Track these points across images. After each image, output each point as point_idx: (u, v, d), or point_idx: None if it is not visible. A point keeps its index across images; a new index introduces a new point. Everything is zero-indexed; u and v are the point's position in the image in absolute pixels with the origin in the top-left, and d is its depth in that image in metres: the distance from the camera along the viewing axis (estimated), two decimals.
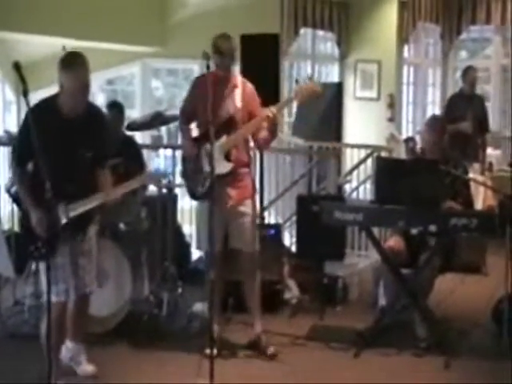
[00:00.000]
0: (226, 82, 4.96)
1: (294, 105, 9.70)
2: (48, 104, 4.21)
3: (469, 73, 8.38)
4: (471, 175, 6.28)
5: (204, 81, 4.85)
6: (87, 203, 4.19)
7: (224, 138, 4.86)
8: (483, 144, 8.40)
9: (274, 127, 4.96)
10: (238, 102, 4.95)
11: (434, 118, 5.83)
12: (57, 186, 3.65)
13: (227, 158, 4.88)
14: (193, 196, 5.09)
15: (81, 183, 4.21)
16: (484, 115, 8.42)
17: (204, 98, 4.66)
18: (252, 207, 5.11)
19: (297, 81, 5.17)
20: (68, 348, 4.52)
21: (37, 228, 4.08)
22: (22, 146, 4.15)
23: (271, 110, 4.84)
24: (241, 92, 4.98)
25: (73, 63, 4.10)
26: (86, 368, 4.56)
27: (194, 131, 5.18)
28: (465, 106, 8.16)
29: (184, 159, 5.11)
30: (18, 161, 4.26)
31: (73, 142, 4.20)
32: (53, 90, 4.28)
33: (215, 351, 4.58)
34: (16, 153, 4.30)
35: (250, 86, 5.07)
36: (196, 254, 7.13)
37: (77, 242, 4.33)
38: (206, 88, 4.55)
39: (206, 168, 4.84)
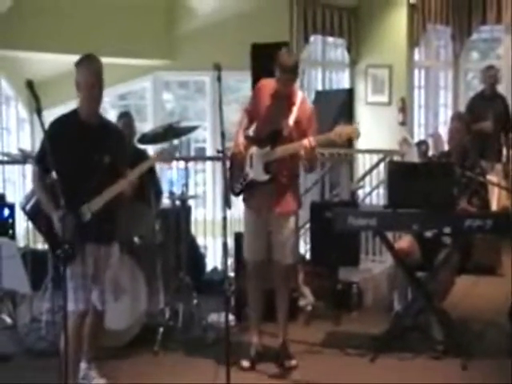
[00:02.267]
0: (285, 97, 4.92)
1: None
2: (68, 115, 4.40)
3: (488, 73, 8.23)
4: (490, 176, 6.20)
5: (266, 88, 4.97)
6: (107, 194, 4.27)
7: (267, 149, 4.88)
8: (508, 144, 8.20)
9: (310, 158, 4.82)
10: (291, 120, 4.88)
11: (459, 113, 5.75)
12: (77, 192, 4.04)
13: (266, 168, 4.88)
14: (233, 192, 5.06)
15: (100, 189, 4.27)
16: (507, 115, 8.25)
17: (261, 105, 4.87)
18: (295, 221, 5.06)
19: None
20: (80, 368, 4.53)
21: (60, 228, 4.01)
22: (46, 155, 4.18)
23: (310, 140, 4.73)
24: (297, 110, 4.90)
25: (86, 58, 4.32)
26: (98, 382, 4.58)
27: (250, 132, 5.14)
28: (485, 106, 8.01)
29: (232, 156, 5.07)
30: (43, 167, 4.25)
31: (91, 148, 4.29)
32: (65, 107, 4.36)
33: (247, 363, 4.87)
34: (39, 160, 4.28)
35: (308, 106, 5.04)
36: (210, 264, 7.16)
37: (101, 255, 4.38)
38: (265, 96, 4.79)
39: (247, 168, 4.93)
